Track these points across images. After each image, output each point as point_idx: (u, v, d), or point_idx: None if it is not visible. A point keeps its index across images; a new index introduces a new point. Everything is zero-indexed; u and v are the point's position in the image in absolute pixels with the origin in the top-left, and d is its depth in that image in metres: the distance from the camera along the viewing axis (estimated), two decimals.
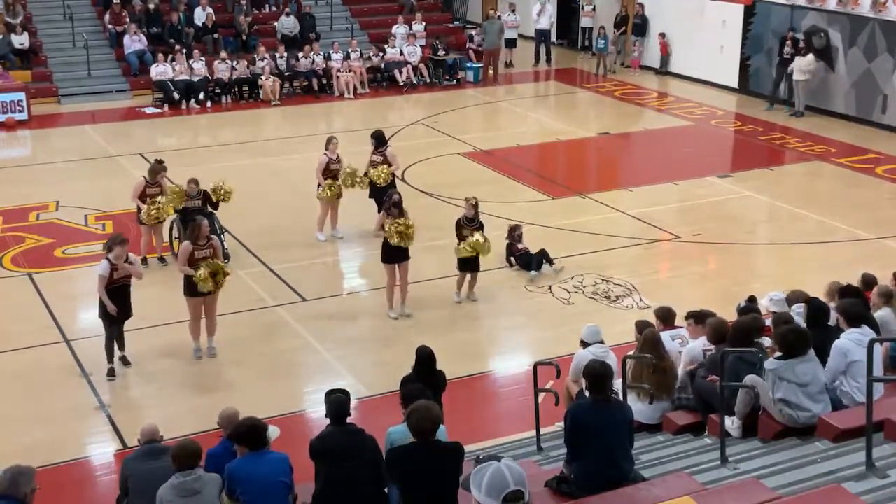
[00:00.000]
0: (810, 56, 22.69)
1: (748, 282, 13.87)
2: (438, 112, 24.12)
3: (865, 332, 8.37)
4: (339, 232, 16.04)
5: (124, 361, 12.04)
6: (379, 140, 15.96)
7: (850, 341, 8.39)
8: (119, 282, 11.61)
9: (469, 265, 13.70)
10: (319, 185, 15.56)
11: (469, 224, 13.66)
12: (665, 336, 9.70)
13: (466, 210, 13.78)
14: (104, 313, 11.70)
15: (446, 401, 9.08)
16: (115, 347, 11.90)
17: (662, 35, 27.35)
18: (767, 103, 24.00)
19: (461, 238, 13.59)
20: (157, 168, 14.92)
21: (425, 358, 9.18)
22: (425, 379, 8.99)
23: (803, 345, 8.12)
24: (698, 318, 9.64)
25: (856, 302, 9.00)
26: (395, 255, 13.10)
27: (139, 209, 14.64)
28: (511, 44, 28.98)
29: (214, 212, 14.79)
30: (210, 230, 12.70)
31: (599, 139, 22.49)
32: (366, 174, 15.75)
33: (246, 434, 7.30)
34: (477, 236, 13.43)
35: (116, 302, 11.61)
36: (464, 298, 13.86)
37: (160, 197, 14.59)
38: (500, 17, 28.60)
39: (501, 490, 5.75)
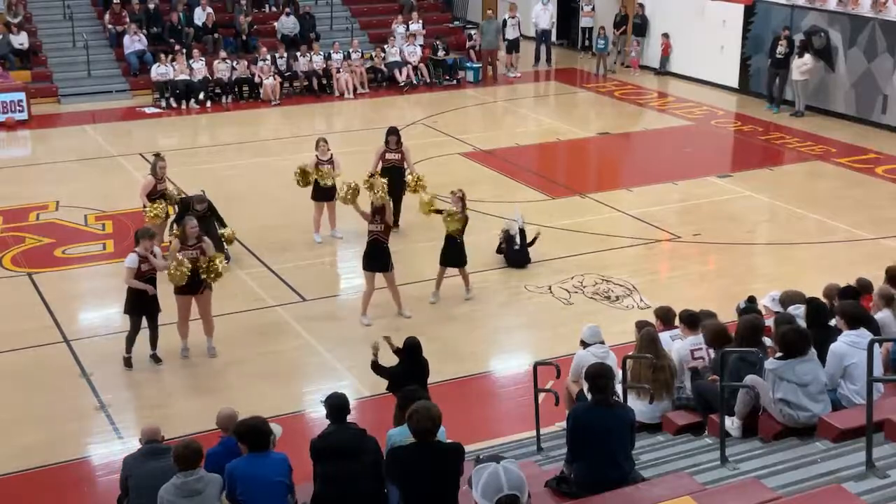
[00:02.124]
0: (807, 56, 22.70)
1: (748, 282, 13.87)
2: (438, 112, 24.12)
3: (862, 335, 8.34)
4: (339, 232, 16.02)
5: (154, 359, 12.14)
6: (396, 137, 15.79)
7: (846, 344, 8.38)
8: (146, 274, 11.72)
9: (450, 259, 13.67)
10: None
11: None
12: (665, 336, 9.68)
13: (453, 203, 13.68)
14: (131, 308, 11.85)
15: (446, 400, 9.08)
16: (148, 343, 12.11)
17: (666, 35, 27.32)
18: (768, 103, 23.97)
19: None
20: (157, 162, 14.82)
21: (414, 347, 9.57)
22: (412, 368, 9.42)
23: (804, 345, 8.11)
24: (690, 322, 9.59)
25: (855, 303, 8.98)
26: (372, 263, 13.02)
27: (145, 206, 14.62)
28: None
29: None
30: (206, 232, 12.73)
31: (599, 139, 22.49)
32: (371, 176, 15.62)
33: (247, 434, 7.29)
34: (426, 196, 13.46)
35: (144, 295, 11.73)
36: (440, 299, 13.75)
37: (157, 203, 14.53)
38: (514, 17, 28.35)
39: (495, 493, 5.75)
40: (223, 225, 14.59)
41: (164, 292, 12.04)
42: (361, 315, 13.23)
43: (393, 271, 13.11)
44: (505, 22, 28.32)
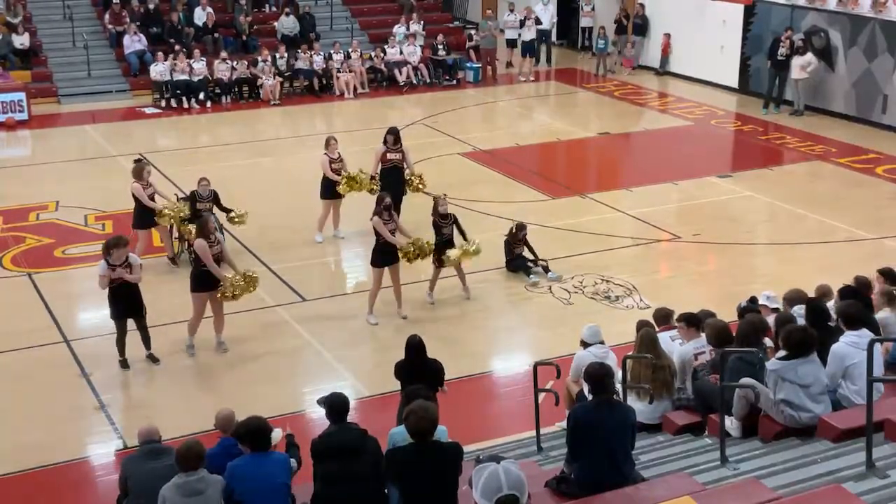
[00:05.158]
0: (809, 55, 22.69)
1: (748, 282, 13.86)
2: (438, 112, 24.12)
3: (862, 335, 8.33)
4: (341, 232, 16.03)
5: (151, 359, 12.15)
6: (395, 137, 15.74)
7: (847, 345, 8.37)
8: (119, 280, 11.65)
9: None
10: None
11: (444, 221, 13.63)
12: (664, 336, 9.68)
13: (441, 206, 13.65)
14: (115, 313, 11.86)
15: (447, 401, 9.07)
16: (142, 344, 12.14)
17: (668, 35, 27.30)
18: (764, 107, 23.89)
19: (439, 235, 13.59)
20: (140, 167, 14.78)
21: (415, 346, 9.30)
22: (417, 368, 9.15)
23: (809, 345, 8.07)
24: (690, 321, 9.58)
25: (853, 303, 8.95)
26: (386, 257, 13.04)
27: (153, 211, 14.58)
28: (512, 44, 28.88)
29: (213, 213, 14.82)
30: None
31: (599, 139, 22.49)
32: (373, 177, 15.63)
33: (249, 434, 7.29)
34: (469, 246, 13.46)
35: (121, 300, 11.71)
36: (437, 300, 13.76)
37: (165, 210, 14.47)
38: (528, 18, 28.12)
39: (495, 493, 5.75)
40: (228, 211, 14.71)
41: (157, 294, 12.04)
42: (368, 314, 13.24)
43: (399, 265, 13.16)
44: (522, 23, 28.09)
